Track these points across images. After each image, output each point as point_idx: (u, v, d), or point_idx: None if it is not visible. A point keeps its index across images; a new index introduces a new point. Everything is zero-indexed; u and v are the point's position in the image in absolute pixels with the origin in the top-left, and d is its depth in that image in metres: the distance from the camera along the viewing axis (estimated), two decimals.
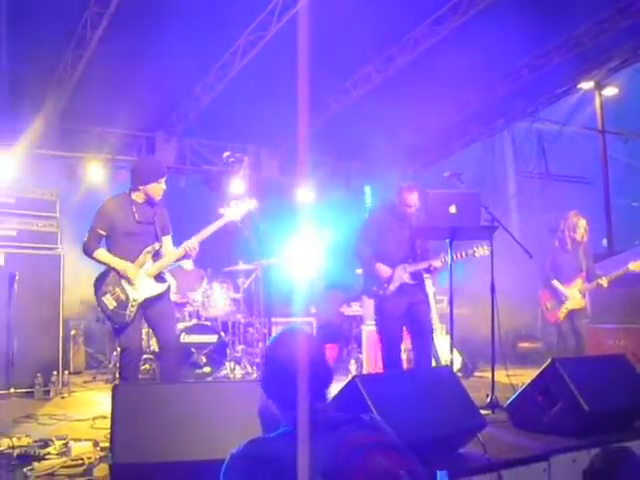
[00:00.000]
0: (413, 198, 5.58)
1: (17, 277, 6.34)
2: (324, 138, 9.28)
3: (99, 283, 4.91)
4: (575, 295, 6.72)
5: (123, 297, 4.81)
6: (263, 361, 2.31)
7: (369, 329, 7.67)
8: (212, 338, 7.50)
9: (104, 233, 4.89)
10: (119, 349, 4.96)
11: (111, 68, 7.35)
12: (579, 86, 10.13)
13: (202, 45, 7.42)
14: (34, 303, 6.48)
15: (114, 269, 4.84)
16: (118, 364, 5.10)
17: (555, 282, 6.78)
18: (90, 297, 7.93)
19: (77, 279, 7.74)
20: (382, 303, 5.60)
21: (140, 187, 4.95)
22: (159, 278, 4.97)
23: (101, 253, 4.88)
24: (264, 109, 8.56)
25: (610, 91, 11.56)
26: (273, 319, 9.16)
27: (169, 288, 5.07)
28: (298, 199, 10.80)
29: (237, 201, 5.17)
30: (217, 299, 7.78)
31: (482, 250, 5.50)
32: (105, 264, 4.90)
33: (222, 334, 7.66)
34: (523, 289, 10.58)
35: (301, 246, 9.65)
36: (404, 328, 5.67)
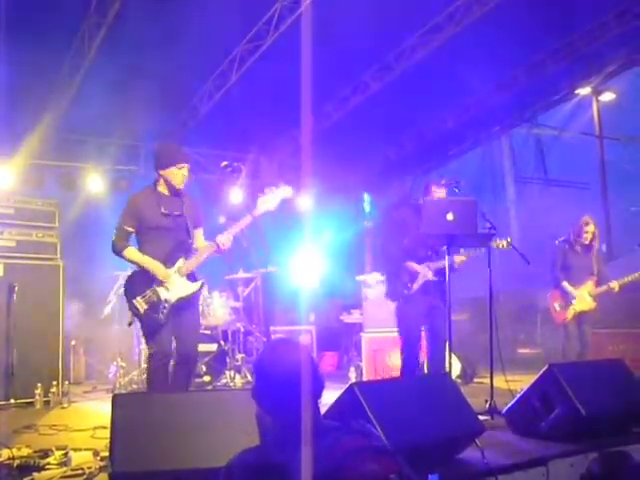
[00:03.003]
0: (441, 195, 5.52)
1: (16, 287, 6.33)
2: (322, 146, 9.32)
3: (129, 285, 4.66)
4: (584, 296, 6.70)
5: (155, 299, 4.53)
6: (254, 371, 2.32)
7: (369, 336, 7.67)
8: (212, 347, 7.50)
9: (132, 230, 4.65)
10: (148, 353, 4.68)
11: (109, 78, 7.38)
12: (576, 92, 10.17)
13: (200, 54, 7.47)
14: (34, 313, 6.48)
15: (144, 269, 4.59)
16: (146, 369, 4.90)
17: (565, 283, 6.78)
18: (90, 307, 8.07)
19: (77, 289, 7.77)
20: (405, 303, 5.54)
21: (160, 172, 4.69)
22: (191, 277, 4.71)
23: (131, 252, 4.63)
24: (263, 117, 8.61)
25: (607, 96, 11.62)
26: (272, 327, 9.21)
27: (202, 287, 4.80)
28: (298, 207, 10.81)
29: (272, 188, 4.83)
30: (217, 308, 7.76)
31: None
32: (135, 263, 4.67)
33: (222, 343, 7.65)
34: (523, 295, 10.58)
35: (300, 254, 9.67)
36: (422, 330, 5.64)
